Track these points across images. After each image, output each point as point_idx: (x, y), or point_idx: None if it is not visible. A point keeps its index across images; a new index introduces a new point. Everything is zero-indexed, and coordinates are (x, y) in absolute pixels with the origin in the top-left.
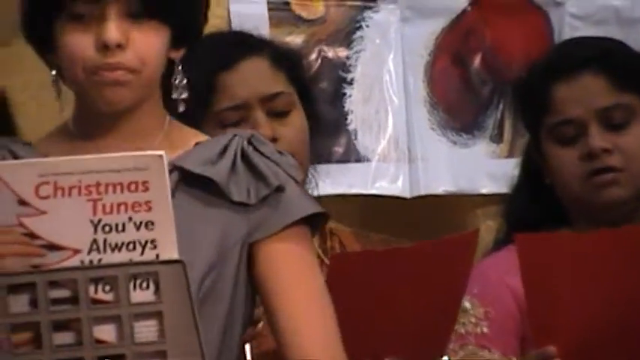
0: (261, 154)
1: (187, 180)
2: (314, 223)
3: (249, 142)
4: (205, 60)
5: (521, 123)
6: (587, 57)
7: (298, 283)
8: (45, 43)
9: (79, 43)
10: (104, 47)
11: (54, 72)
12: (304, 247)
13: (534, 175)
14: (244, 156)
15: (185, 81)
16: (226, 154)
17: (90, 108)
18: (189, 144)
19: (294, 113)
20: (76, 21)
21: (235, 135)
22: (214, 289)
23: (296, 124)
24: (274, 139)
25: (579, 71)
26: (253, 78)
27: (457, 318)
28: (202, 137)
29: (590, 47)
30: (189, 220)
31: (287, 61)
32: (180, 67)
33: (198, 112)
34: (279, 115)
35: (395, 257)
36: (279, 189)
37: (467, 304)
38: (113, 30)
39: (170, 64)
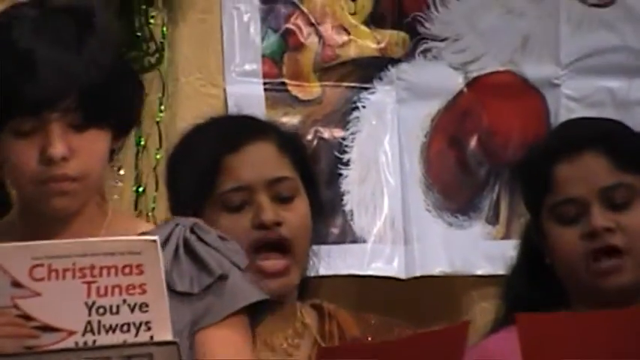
0: (204, 242)
1: None
2: (260, 309)
3: (192, 231)
4: (211, 142)
5: (521, 203)
6: (589, 137)
7: None
8: None
9: (24, 156)
10: (49, 161)
11: None
12: (240, 334)
13: (534, 255)
14: (187, 245)
15: (122, 171)
16: (169, 244)
17: (36, 212)
18: (133, 234)
19: (298, 199)
20: (21, 136)
21: (177, 224)
22: None
23: (300, 210)
24: (278, 224)
25: (581, 151)
26: (259, 161)
27: None
28: (146, 226)
29: (591, 127)
30: None
31: (292, 146)
32: (118, 156)
33: (202, 194)
34: (283, 200)
35: (384, 350)
36: (223, 277)
37: None
38: (58, 145)
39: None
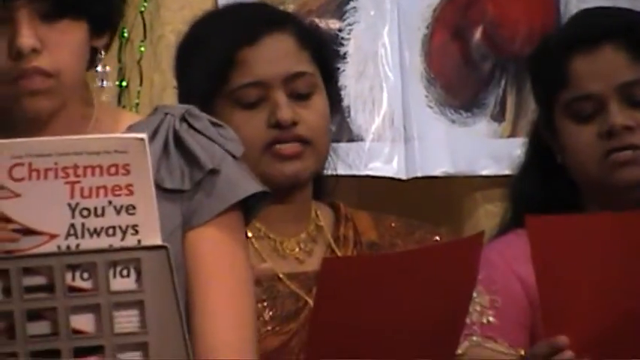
0: (196, 130)
1: None
2: (257, 201)
3: (183, 119)
4: (225, 33)
5: (528, 99)
6: (607, 29)
7: (217, 279)
8: None
9: None
10: (18, 54)
11: None
12: (232, 235)
13: (544, 154)
14: (177, 137)
15: (108, 69)
16: (157, 137)
17: (10, 111)
18: (121, 128)
19: (316, 96)
20: None
21: (167, 114)
22: None
23: (318, 107)
24: (294, 123)
25: (599, 44)
26: (276, 55)
27: (465, 322)
28: (135, 118)
29: (612, 18)
30: None
31: (312, 39)
32: (101, 55)
33: (214, 89)
34: (300, 97)
35: (393, 263)
36: (214, 171)
37: None
38: (26, 35)
39: (93, 52)
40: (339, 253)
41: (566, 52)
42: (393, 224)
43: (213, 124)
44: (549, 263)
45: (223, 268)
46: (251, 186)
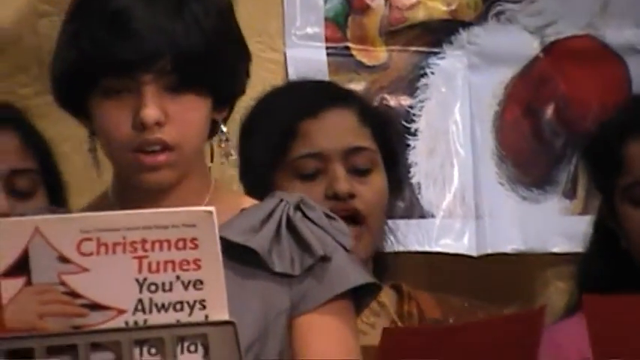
0: (309, 219)
1: (230, 250)
2: (366, 293)
3: (297, 208)
4: (288, 106)
5: (594, 185)
6: None
7: None
8: (80, 112)
9: (116, 119)
10: (142, 125)
11: (89, 139)
12: (342, 320)
13: (608, 237)
14: (289, 223)
15: (230, 142)
16: (270, 221)
17: (130, 181)
18: (235, 210)
19: (375, 173)
20: (112, 97)
21: (282, 200)
22: None
23: (376, 184)
24: (352, 196)
25: None
26: (337, 128)
27: None
28: (249, 202)
29: None
30: (231, 293)
31: (374, 117)
32: (224, 129)
33: (275, 159)
34: (359, 172)
35: (452, 334)
36: (325, 259)
37: None
38: (151, 108)
39: (213, 124)
40: None
41: (620, 138)
42: (457, 304)
43: (327, 215)
44: (606, 343)
45: (332, 353)
46: (361, 277)
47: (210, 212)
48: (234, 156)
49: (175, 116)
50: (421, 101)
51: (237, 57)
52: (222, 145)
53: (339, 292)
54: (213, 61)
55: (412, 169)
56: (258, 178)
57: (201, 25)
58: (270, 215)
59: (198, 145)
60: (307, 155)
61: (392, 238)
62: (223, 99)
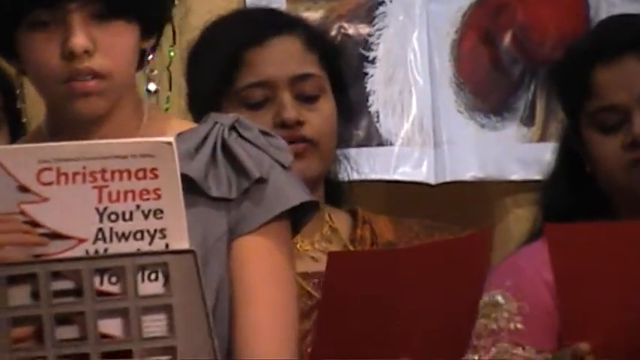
0: (245, 139)
1: None
2: (305, 211)
3: (232, 129)
4: (232, 35)
5: (558, 106)
6: (631, 39)
7: (262, 290)
8: (7, 50)
9: (44, 52)
10: (71, 55)
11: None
12: (277, 243)
13: (572, 161)
14: (225, 145)
15: (155, 71)
16: (205, 145)
17: (62, 113)
18: (171, 134)
19: (323, 99)
20: (39, 29)
21: (216, 122)
22: None
23: (324, 110)
24: (299, 123)
25: (623, 54)
26: (283, 56)
27: (475, 319)
28: (185, 126)
29: (635, 27)
30: None
31: (321, 43)
32: (150, 57)
33: (221, 88)
34: (307, 99)
35: (401, 257)
36: (261, 180)
37: (499, 298)
38: (79, 36)
39: (141, 53)
40: None
41: (589, 63)
42: (412, 227)
43: (263, 133)
44: (569, 271)
45: (267, 279)
46: (299, 196)
47: (170, 143)
48: (155, 87)
49: (104, 44)
50: (379, 30)
51: None
52: (147, 72)
53: (275, 215)
54: None
55: (370, 98)
56: (205, 108)
57: None
58: (204, 139)
59: (128, 73)
60: (254, 84)
61: (348, 166)
62: (151, 26)
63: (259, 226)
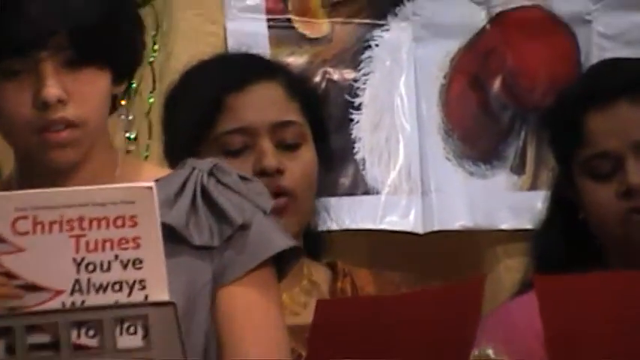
0: (224, 185)
1: None
2: (289, 257)
3: (211, 174)
4: (213, 79)
5: (550, 153)
6: (623, 83)
7: (250, 339)
8: None
9: (16, 101)
10: (44, 105)
11: None
12: (264, 291)
13: (565, 209)
14: (204, 192)
15: (130, 117)
16: (185, 192)
17: (35, 162)
18: (147, 181)
19: (304, 147)
20: (10, 78)
21: (194, 168)
22: (187, 338)
23: (305, 159)
24: (279, 171)
25: (615, 99)
26: (264, 102)
27: None
28: (160, 172)
29: (626, 72)
30: None
31: (303, 90)
32: (122, 103)
33: (200, 135)
34: (287, 147)
35: (390, 306)
36: (244, 227)
37: (489, 352)
38: (52, 86)
39: (113, 99)
40: None
41: (581, 109)
42: (394, 279)
43: (242, 178)
44: (560, 324)
45: (257, 329)
46: (283, 241)
47: (150, 188)
48: (134, 133)
49: (76, 92)
50: (365, 74)
51: (134, 27)
52: (123, 117)
53: (260, 261)
54: (111, 33)
55: (356, 145)
56: (183, 154)
57: None
58: (183, 186)
59: (101, 120)
60: (233, 130)
61: (329, 216)
62: (122, 71)
63: (244, 274)
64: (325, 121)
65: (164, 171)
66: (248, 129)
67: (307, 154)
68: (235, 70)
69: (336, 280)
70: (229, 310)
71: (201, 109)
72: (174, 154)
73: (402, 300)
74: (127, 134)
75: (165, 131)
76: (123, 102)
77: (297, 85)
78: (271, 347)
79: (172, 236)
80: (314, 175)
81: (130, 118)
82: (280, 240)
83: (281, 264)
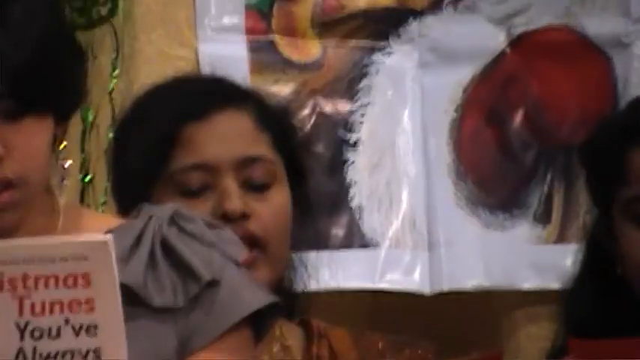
0: (189, 235)
1: None
2: (266, 314)
3: (172, 222)
4: (168, 107)
5: (578, 198)
6: None
7: None
8: None
9: None
10: None
11: None
12: (239, 357)
13: (602, 263)
14: (165, 244)
15: (69, 163)
16: (141, 246)
17: None
18: (100, 235)
19: (275, 188)
20: None
21: (151, 216)
22: None
23: (276, 201)
24: (245, 215)
25: None
26: (228, 134)
27: None
28: (112, 222)
29: None
30: None
31: (276, 120)
32: (61, 147)
33: (152, 171)
34: (255, 187)
35: None
36: (213, 283)
37: None
38: None
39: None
40: None
41: (623, 144)
42: (376, 342)
43: (209, 225)
44: None
45: None
46: (258, 298)
47: (105, 242)
48: (66, 181)
49: (17, 146)
50: (363, 106)
51: (75, 59)
52: (61, 162)
53: (232, 324)
54: (51, 73)
55: (352, 189)
56: (133, 195)
57: (30, 32)
58: (139, 238)
59: (44, 174)
60: (192, 167)
61: (327, 271)
62: (64, 114)
63: (216, 339)
64: (302, 158)
65: (114, 221)
66: (208, 165)
67: (278, 196)
68: (195, 96)
69: (311, 343)
70: None
71: (153, 141)
72: (123, 196)
73: None
74: (82, 176)
75: (112, 169)
76: (63, 144)
77: (270, 114)
78: None
79: (129, 297)
80: (287, 220)
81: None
82: (255, 296)
83: (257, 323)
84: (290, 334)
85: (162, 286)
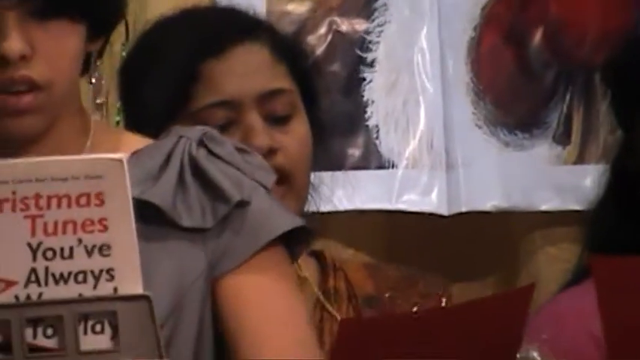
0: (217, 157)
1: None
2: (296, 237)
3: (201, 144)
4: (186, 43)
5: (599, 117)
6: None
7: (272, 333)
8: None
9: None
10: (4, 61)
11: None
12: (277, 276)
13: (627, 186)
14: (194, 164)
15: (104, 81)
16: (170, 165)
17: None
18: (126, 154)
19: (296, 118)
20: None
21: (181, 136)
22: (174, 340)
23: (299, 132)
24: (272, 150)
25: None
26: (249, 69)
27: None
28: (142, 142)
29: None
30: None
31: (289, 51)
32: (97, 63)
33: (173, 110)
34: (278, 120)
35: (422, 323)
36: (243, 204)
37: (534, 354)
38: (14, 38)
39: (86, 57)
40: (331, 309)
41: None
42: (389, 276)
43: (239, 149)
44: (618, 310)
45: (276, 319)
46: (289, 220)
47: (120, 160)
48: (102, 99)
49: (44, 48)
50: (379, 26)
51: None
52: (94, 82)
53: (265, 243)
54: None
55: (368, 109)
56: (153, 135)
57: None
58: (168, 158)
59: (71, 82)
60: (214, 104)
61: (343, 192)
62: (99, 26)
63: (250, 258)
64: (315, 84)
65: (145, 141)
66: (231, 102)
67: (300, 127)
68: (211, 31)
69: (327, 275)
70: (238, 303)
71: (173, 80)
72: (142, 131)
73: (437, 315)
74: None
75: (126, 105)
76: (99, 62)
77: (284, 44)
78: (294, 343)
79: (157, 217)
80: (310, 150)
81: (103, 82)
82: (287, 218)
83: (287, 249)
84: (305, 265)
85: (191, 206)
